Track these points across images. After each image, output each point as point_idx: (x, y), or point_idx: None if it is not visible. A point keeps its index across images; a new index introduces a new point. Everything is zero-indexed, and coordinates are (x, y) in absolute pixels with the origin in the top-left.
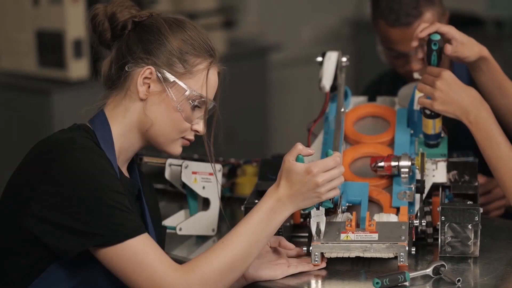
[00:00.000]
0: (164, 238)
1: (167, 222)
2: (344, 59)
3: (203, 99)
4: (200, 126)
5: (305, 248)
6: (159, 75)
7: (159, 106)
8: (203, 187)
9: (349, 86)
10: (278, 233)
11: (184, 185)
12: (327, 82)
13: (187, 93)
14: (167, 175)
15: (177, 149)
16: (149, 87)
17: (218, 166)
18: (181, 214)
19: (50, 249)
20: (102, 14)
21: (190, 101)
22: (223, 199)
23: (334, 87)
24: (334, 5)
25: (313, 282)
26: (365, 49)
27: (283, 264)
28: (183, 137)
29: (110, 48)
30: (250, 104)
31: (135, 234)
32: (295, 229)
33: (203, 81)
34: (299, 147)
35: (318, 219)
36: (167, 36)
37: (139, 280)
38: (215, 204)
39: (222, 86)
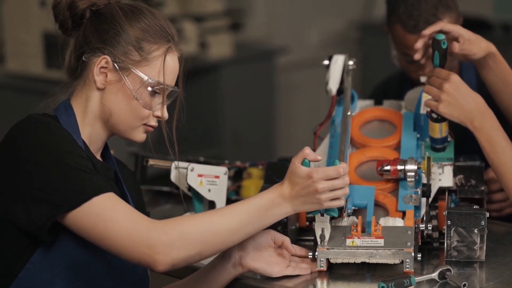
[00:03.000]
0: None
1: None
2: (350, 62)
3: (161, 85)
4: (160, 112)
5: (311, 253)
6: (115, 64)
7: (117, 95)
8: (209, 190)
9: (356, 89)
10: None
11: (189, 188)
12: (333, 85)
13: (143, 80)
14: (172, 177)
15: (140, 136)
16: (106, 76)
17: (224, 169)
18: None
19: (26, 230)
20: (64, 2)
21: (148, 88)
22: (229, 201)
23: (340, 91)
24: (341, 8)
25: (319, 286)
26: (372, 53)
27: (282, 263)
28: (145, 124)
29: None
30: (257, 106)
31: (101, 192)
32: (301, 232)
33: (160, 67)
34: (306, 151)
35: (322, 225)
36: (122, 24)
37: (112, 235)
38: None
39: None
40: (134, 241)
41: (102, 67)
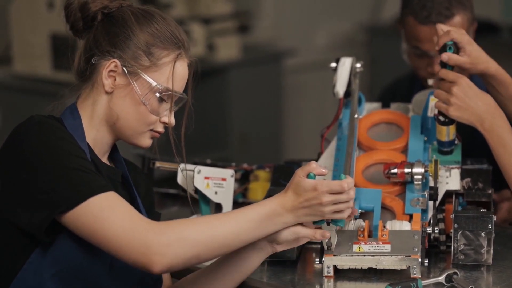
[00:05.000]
0: None
1: None
2: (358, 65)
3: (169, 92)
4: (167, 118)
5: (317, 260)
6: (124, 68)
7: (124, 99)
8: (216, 192)
9: (363, 92)
10: None
11: (196, 190)
12: (341, 88)
13: (151, 86)
14: (179, 180)
15: (146, 141)
16: (115, 80)
17: (231, 171)
18: None
19: (24, 230)
20: (76, 3)
21: (157, 94)
22: (236, 204)
23: (348, 93)
24: (349, 10)
25: (325, 286)
26: (380, 55)
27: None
28: (151, 130)
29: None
30: (264, 109)
31: (100, 191)
32: None
33: (169, 73)
34: (313, 165)
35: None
36: (134, 29)
37: (109, 235)
38: (228, 209)
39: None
40: (130, 241)
41: (111, 70)
